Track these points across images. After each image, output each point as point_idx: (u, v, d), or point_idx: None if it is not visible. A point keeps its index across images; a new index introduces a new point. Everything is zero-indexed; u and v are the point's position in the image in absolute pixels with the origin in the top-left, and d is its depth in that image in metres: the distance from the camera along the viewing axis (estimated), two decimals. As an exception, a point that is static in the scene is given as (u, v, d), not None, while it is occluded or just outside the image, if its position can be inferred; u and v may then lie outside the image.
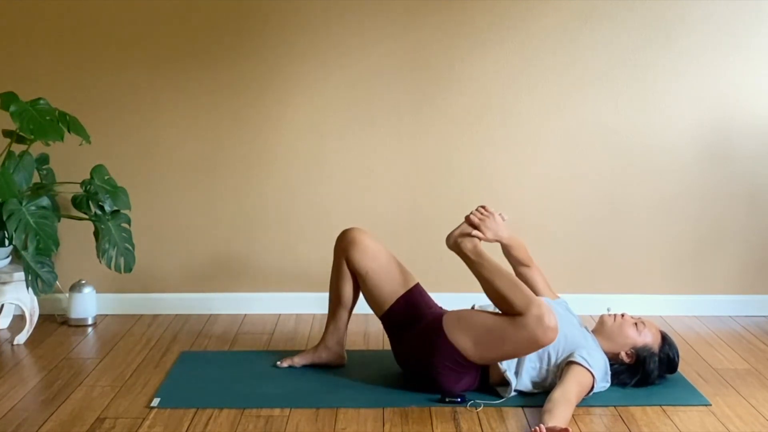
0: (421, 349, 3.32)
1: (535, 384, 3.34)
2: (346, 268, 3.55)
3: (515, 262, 3.63)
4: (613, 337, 3.43)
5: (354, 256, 3.52)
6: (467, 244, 3.35)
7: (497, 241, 3.47)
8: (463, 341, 3.23)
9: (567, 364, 3.26)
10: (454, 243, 3.39)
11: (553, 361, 3.32)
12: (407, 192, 4.40)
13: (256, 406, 3.24)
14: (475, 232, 3.37)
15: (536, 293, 3.56)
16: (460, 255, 3.37)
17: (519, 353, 3.24)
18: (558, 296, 3.70)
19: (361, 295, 3.63)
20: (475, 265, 3.31)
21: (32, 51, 4.25)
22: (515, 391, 3.33)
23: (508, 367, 3.32)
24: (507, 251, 3.62)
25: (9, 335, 4.05)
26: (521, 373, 3.32)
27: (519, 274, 3.60)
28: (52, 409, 3.22)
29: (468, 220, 3.41)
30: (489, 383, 3.36)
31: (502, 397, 3.29)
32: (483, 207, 3.44)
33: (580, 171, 4.40)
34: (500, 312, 3.25)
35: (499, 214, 3.45)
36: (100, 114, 4.28)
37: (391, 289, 3.49)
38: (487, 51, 4.30)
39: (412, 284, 3.54)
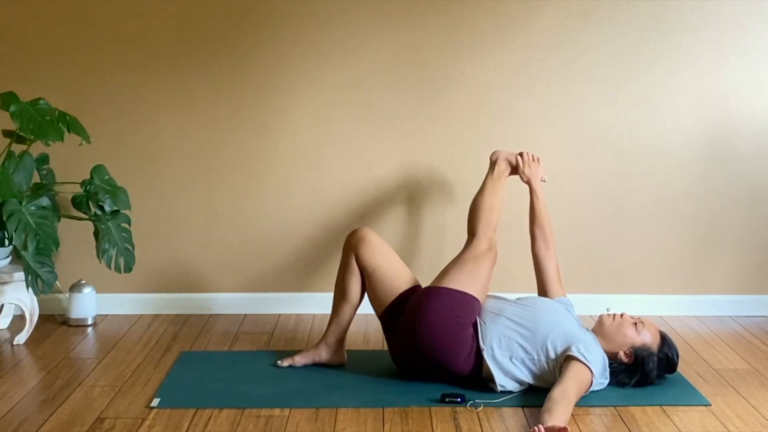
0: (414, 314, 3.40)
1: (535, 377, 3.35)
2: (354, 264, 3.59)
3: (535, 223, 3.83)
4: (611, 336, 3.44)
5: (363, 252, 3.57)
6: (502, 165, 3.85)
7: (528, 182, 3.86)
8: (449, 279, 3.49)
9: (565, 359, 3.27)
10: (496, 158, 3.88)
11: (551, 355, 3.33)
12: (407, 191, 4.40)
13: (256, 406, 3.24)
14: (517, 158, 3.85)
15: (546, 281, 3.77)
16: (490, 166, 3.86)
17: (485, 264, 3.56)
18: (565, 294, 3.71)
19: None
20: (490, 177, 3.81)
21: (32, 51, 4.26)
22: (518, 382, 3.35)
23: (502, 359, 3.35)
24: (532, 204, 3.86)
25: (9, 335, 4.05)
26: (516, 364, 3.34)
27: (535, 250, 3.80)
28: (51, 409, 3.23)
29: (521, 153, 3.88)
30: (482, 376, 3.38)
31: (496, 392, 3.31)
32: (538, 157, 3.92)
33: (579, 171, 4.40)
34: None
35: (544, 174, 3.91)
36: (100, 114, 4.28)
37: (396, 286, 3.55)
38: (487, 51, 4.30)
39: (414, 284, 3.59)
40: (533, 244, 3.82)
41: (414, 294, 3.53)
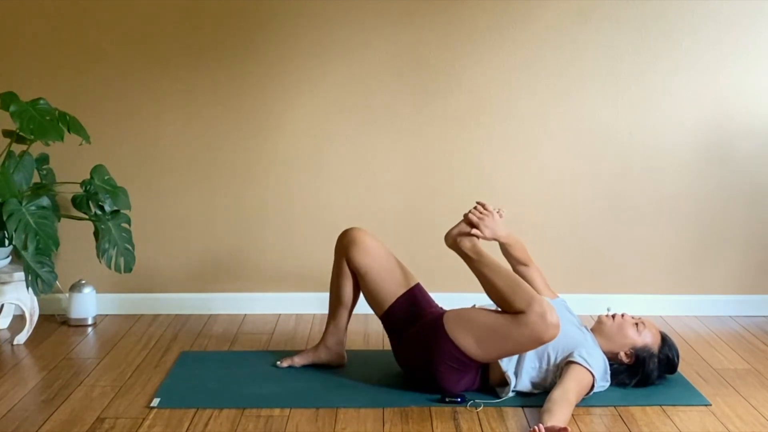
0: (421, 348, 3.32)
1: (534, 384, 3.34)
2: (346, 267, 3.56)
3: (514, 262, 3.63)
4: (612, 336, 3.43)
5: (354, 255, 3.52)
6: (466, 243, 3.36)
7: (495, 239, 3.47)
8: (465, 340, 3.22)
9: (566, 363, 3.26)
10: (453, 242, 3.40)
11: (552, 361, 3.32)
12: (407, 191, 4.41)
13: (256, 406, 3.24)
14: (474, 231, 3.36)
15: (534, 289, 3.58)
16: (460, 254, 3.38)
17: (521, 350, 3.24)
18: (557, 295, 3.70)
19: (361, 295, 3.63)
20: (475, 263, 3.32)
21: (32, 51, 4.25)
22: (515, 391, 3.33)
23: (508, 367, 3.32)
24: (505, 250, 3.62)
25: (9, 335, 4.05)
26: (521, 373, 3.32)
27: (518, 273, 3.57)
28: (52, 409, 3.22)
29: (466, 219, 3.41)
30: (489, 383, 3.36)
31: (501, 398, 3.30)
32: (482, 204, 3.43)
33: (579, 171, 4.40)
34: (501, 310, 3.26)
35: (497, 211, 3.44)
36: (100, 114, 4.28)
37: (392, 288, 3.50)
38: (487, 51, 4.30)
39: (412, 284, 3.54)
40: (513, 268, 3.58)
41: (427, 316, 3.41)
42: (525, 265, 3.62)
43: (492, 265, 3.28)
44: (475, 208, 3.42)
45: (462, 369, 3.28)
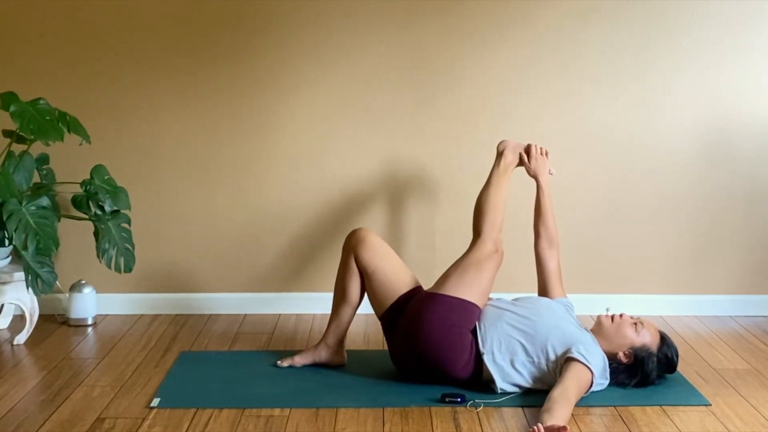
0: (413, 320, 3.38)
1: (535, 379, 3.35)
2: (354, 265, 3.58)
3: (539, 220, 3.78)
4: (611, 337, 3.43)
5: (363, 253, 3.55)
6: (508, 156, 3.77)
7: (535, 176, 3.79)
8: (450, 284, 3.44)
9: (565, 360, 3.26)
10: (503, 148, 3.79)
11: (551, 357, 3.33)
12: (408, 191, 4.40)
13: (256, 406, 3.24)
14: (522, 154, 3.78)
15: (546, 280, 3.73)
16: (497, 157, 3.78)
17: (491, 271, 3.49)
18: (566, 295, 3.71)
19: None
20: (496, 171, 3.73)
21: (32, 51, 4.26)
22: (517, 386, 3.34)
23: (490, 351, 3.35)
24: (538, 199, 3.80)
25: (9, 335, 4.05)
26: (516, 367, 3.34)
27: (538, 252, 3.75)
28: (52, 409, 3.23)
29: (527, 144, 3.81)
30: (482, 378, 3.37)
31: (496, 392, 3.31)
32: (546, 150, 3.84)
33: (579, 171, 4.40)
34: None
35: (551, 167, 3.83)
36: (100, 114, 4.28)
37: (396, 288, 3.54)
38: (487, 51, 4.30)
39: (414, 286, 3.57)
40: (536, 241, 3.77)
41: (414, 297, 3.52)
42: (548, 239, 3.75)
43: (501, 184, 3.70)
44: (541, 147, 3.81)
45: (457, 321, 3.35)
